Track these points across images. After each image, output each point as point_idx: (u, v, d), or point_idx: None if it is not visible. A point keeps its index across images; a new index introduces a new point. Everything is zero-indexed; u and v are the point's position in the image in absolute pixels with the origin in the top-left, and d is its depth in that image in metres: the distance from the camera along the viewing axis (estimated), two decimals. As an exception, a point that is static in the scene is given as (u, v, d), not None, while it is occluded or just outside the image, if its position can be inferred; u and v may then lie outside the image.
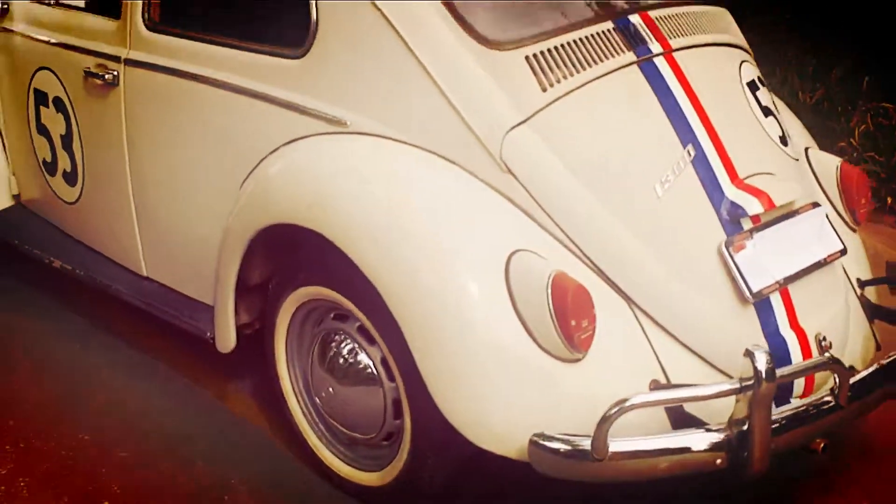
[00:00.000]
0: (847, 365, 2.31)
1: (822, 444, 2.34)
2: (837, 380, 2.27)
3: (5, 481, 2.77)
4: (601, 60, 2.45)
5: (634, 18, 2.58)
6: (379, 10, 2.43)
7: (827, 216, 2.62)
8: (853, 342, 2.64)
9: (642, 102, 2.46)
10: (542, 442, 2.13)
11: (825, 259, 2.53)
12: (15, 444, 2.92)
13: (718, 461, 2.16)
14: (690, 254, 2.38)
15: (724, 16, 2.88)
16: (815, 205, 2.60)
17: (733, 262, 2.35)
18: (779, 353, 2.32)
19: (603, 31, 2.51)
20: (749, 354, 2.09)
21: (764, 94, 2.76)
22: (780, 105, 3.02)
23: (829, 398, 2.29)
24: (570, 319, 2.14)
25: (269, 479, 2.78)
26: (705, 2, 2.85)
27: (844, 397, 2.27)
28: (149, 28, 3.02)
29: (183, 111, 2.93)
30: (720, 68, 2.70)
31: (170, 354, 3.38)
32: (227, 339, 2.84)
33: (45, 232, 3.68)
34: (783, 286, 2.43)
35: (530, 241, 2.30)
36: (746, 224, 2.43)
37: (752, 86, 2.73)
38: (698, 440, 2.15)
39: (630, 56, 2.49)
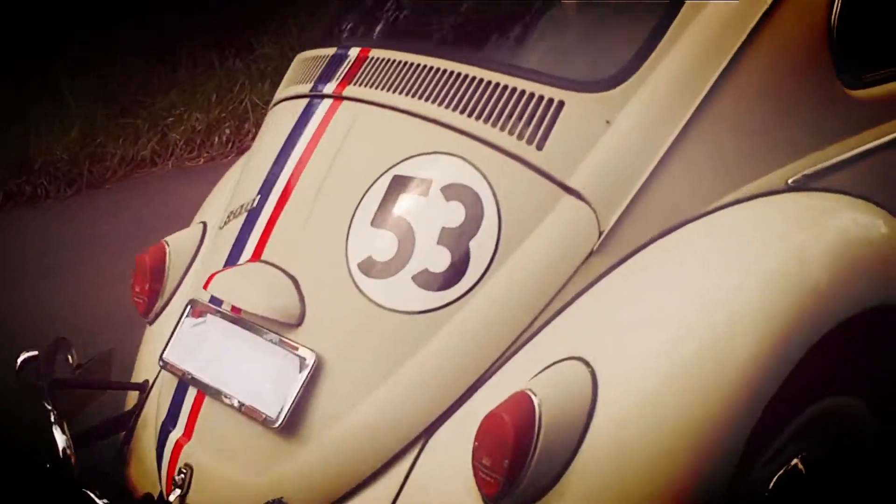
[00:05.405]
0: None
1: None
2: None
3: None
4: (298, 84, 2.32)
5: (352, 52, 2.24)
6: None
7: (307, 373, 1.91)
8: None
9: (277, 137, 2.24)
10: None
11: (242, 406, 1.97)
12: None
13: None
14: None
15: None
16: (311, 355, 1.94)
17: (178, 322, 2.19)
18: (160, 440, 2.14)
19: (320, 56, 2.31)
20: None
21: (424, 203, 1.94)
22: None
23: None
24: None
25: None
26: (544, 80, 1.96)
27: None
28: None
29: None
30: (382, 142, 2.09)
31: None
32: None
33: None
34: (199, 389, 2.08)
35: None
36: (228, 304, 2.09)
37: (418, 183, 1.96)
38: None
39: (305, 88, 2.27)
